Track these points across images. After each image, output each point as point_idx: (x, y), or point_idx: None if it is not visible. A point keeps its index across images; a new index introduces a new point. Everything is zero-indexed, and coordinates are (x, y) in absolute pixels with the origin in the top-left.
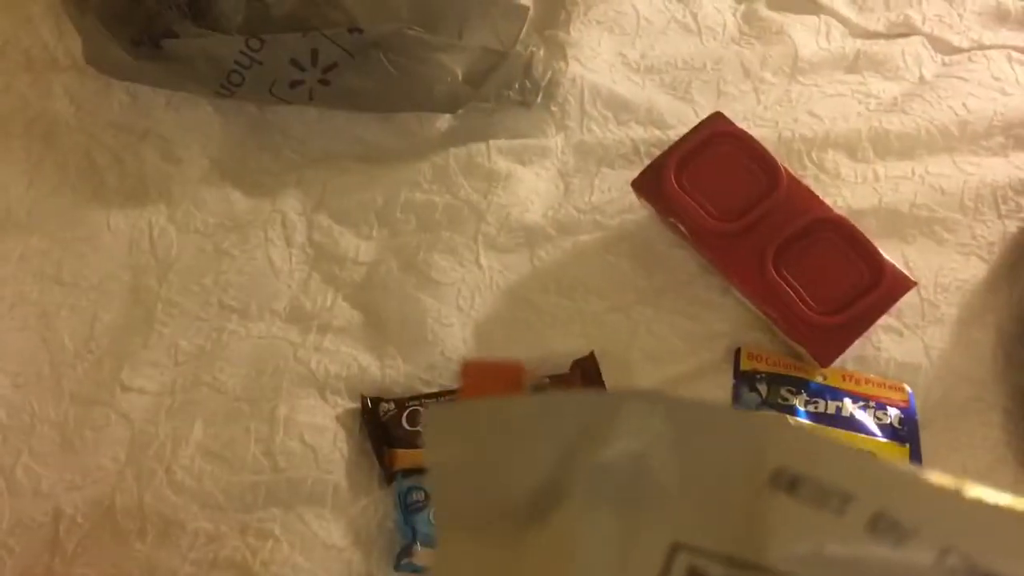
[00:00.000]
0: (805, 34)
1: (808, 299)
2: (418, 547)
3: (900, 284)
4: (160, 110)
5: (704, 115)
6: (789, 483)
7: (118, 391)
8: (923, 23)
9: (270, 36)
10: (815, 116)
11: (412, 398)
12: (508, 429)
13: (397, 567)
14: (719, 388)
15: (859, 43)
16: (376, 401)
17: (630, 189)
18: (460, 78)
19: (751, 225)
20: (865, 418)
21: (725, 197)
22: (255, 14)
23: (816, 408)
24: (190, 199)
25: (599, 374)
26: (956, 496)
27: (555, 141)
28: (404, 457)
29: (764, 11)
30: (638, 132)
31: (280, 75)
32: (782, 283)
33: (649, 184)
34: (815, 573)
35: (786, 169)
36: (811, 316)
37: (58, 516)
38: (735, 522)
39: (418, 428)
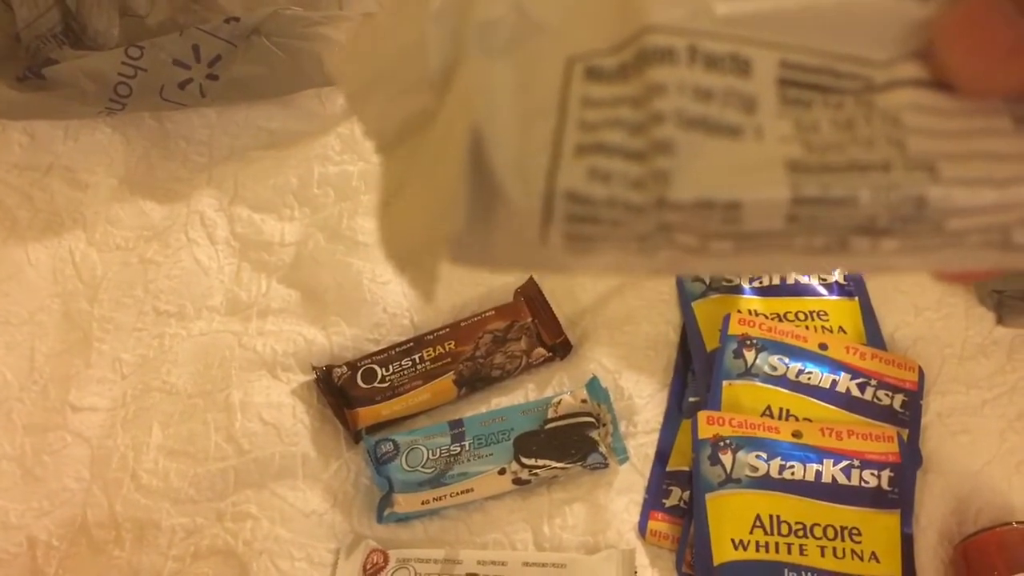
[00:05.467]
0: None
1: None
2: (397, 496)
3: None
4: (59, 142)
5: None
6: None
7: (69, 413)
8: None
9: (148, 41)
10: None
11: (363, 358)
12: (398, 36)
13: (380, 519)
14: (664, 283)
15: None
16: (328, 368)
17: None
18: None
19: None
20: (810, 280)
21: None
22: (131, 27)
23: (761, 282)
24: (104, 219)
25: (543, 296)
26: None
27: None
28: (366, 415)
29: None
30: None
31: (167, 78)
32: None
33: None
34: (700, 25)
35: None
36: None
37: (33, 544)
38: (613, 18)
39: (375, 384)
